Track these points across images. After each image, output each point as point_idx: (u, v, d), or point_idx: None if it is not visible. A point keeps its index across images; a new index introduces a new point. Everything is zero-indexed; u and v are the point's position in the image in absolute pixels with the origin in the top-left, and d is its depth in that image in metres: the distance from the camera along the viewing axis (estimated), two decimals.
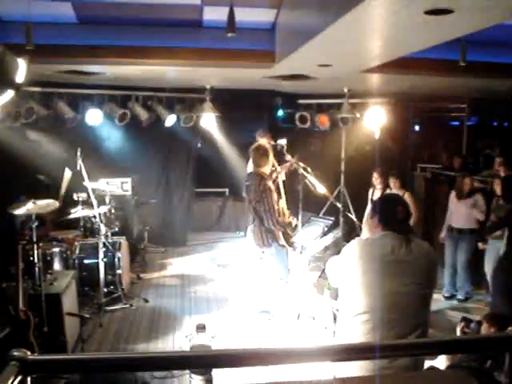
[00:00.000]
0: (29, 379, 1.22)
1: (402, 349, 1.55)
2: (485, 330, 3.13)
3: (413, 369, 2.53)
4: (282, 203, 5.70)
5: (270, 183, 5.44)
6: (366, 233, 2.85)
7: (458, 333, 3.29)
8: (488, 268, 6.31)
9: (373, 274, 2.58)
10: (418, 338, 2.53)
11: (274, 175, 5.70)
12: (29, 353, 1.24)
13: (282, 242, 5.51)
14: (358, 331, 2.59)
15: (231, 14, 3.78)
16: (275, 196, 5.49)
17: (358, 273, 2.62)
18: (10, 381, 1.14)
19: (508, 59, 5.85)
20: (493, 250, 6.22)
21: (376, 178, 7.22)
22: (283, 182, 5.95)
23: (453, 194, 6.64)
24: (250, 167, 6.20)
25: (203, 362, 1.32)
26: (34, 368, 1.24)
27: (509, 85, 7.03)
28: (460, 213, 6.46)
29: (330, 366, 2.87)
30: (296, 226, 5.67)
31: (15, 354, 1.22)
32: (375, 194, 7.29)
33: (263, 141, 6.27)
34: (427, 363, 2.95)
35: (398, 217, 2.69)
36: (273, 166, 5.68)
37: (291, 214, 5.74)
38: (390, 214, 2.71)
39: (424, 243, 2.77)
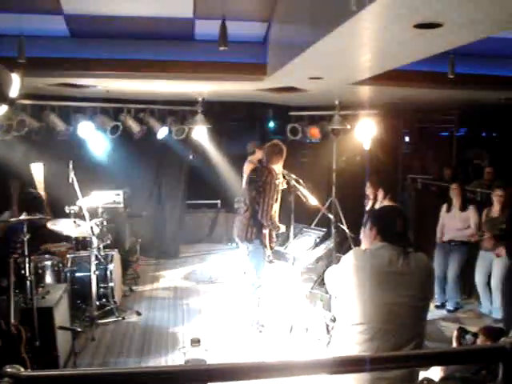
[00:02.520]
0: None
1: (397, 361, 1.56)
2: (481, 342, 3.14)
3: (408, 379, 2.54)
4: (276, 207, 5.72)
5: (275, 180, 5.50)
6: (364, 244, 2.87)
7: (454, 342, 3.30)
8: (478, 278, 6.36)
9: (370, 285, 2.59)
10: (413, 349, 2.54)
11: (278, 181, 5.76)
12: (22, 369, 1.23)
13: (266, 241, 5.49)
14: (354, 341, 2.60)
15: (223, 28, 3.81)
16: (275, 195, 5.53)
17: (355, 283, 2.63)
18: None
19: (495, 71, 5.93)
20: (483, 260, 6.27)
21: (367, 188, 7.27)
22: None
23: (444, 208, 6.69)
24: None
25: (199, 376, 1.32)
26: None
27: (497, 96, 7.12)
28: (452, 225, 6.50)
29: (324, 377, 2.86)
30: (279, 229, 5.62)
31: (8, 370, 1.21)
32: (368, 204, 7.33)
33: (260, 152, 6.33)
34: (421, 374, 2.96)
35: (397, 229, 2.71)
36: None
37: (282, 224, 5.76)
38: (388, 225, 2.73)
39: (422, 256, 2.78)
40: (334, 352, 2.87)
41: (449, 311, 6.55)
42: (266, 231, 5.46)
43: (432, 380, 2.92)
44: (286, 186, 5.83)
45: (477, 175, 8.80)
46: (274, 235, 5.61)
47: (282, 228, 5.65)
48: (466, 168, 9.85)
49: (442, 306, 6.64)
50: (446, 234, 6.59)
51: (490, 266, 6.21)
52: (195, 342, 1.60)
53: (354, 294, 2.63)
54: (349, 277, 2.67)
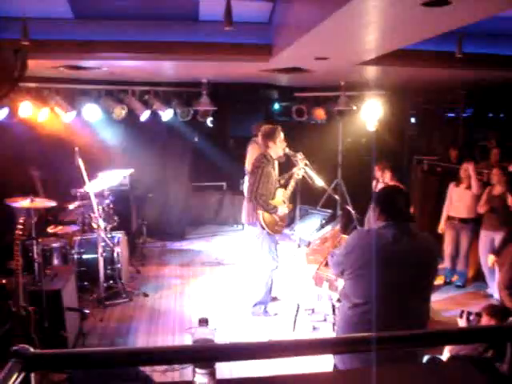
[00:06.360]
0: (32, 375, 1.22)
1: (404, 340, 1.56)
2: (485, 322, 3.15)
3: (412, 357, 2.55)
4: (280, 193, 5.67)
5: (269, 166, 5.51)
6: (371, 224, 2.88)
7: (462, 323, 3.30)
8: (483, 258, 6.37)
9: (373, 264, 2.60)
10: (417, 327, 2.55)
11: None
12: (31, 348, 1.24)
13: (262, 222, 5.49)
14: (357, 320, 2.61)
15: (228, 7, 3.75)
16: (272, 179, 5.51)
17: (358, 262, 2.64)
18: (14, 377, 1.14)
19: (503, 50, 5.85)
20: (485, 240, 6.29)
21: (376, 171, 7.28)
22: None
23: (452, 185, 6.70)
24: (248, 162, 6.26)
25: (208, 355, 1.32)
26: (38, 364, 1.24)
27: (504, 76, 7.03)
28: (462, 203, 6.55)
29: (329, 357, 2.89)
30: (275, 209, 5.55)
31: (18, 349, 1.22)
32: (378, 186, 7.32)
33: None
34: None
35: (398, 207, 2.71)
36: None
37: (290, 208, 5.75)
38: (390, 203, 2.74)
39: (425, 234, 2.80)
40: (339, 332, 2.89)
41: (458, 287, 6.70)
42: (260, 212, 5.47)
43: (440, 359, 2.93)
44: (301, 176, 5.76)
45: (483, 156, 8.73)
46: (276, 217, 5.55)
47: (282, 208, 5.58)
48: (473, 149, 9.76)
49: (450, 283, 6.78)
50: (456, 212, 6.65)
51: (492, 245, 6.24)
52: (203, 321, 1.60)
53: (357, 274, 2.64)
54: (352, 257, 2.68)
